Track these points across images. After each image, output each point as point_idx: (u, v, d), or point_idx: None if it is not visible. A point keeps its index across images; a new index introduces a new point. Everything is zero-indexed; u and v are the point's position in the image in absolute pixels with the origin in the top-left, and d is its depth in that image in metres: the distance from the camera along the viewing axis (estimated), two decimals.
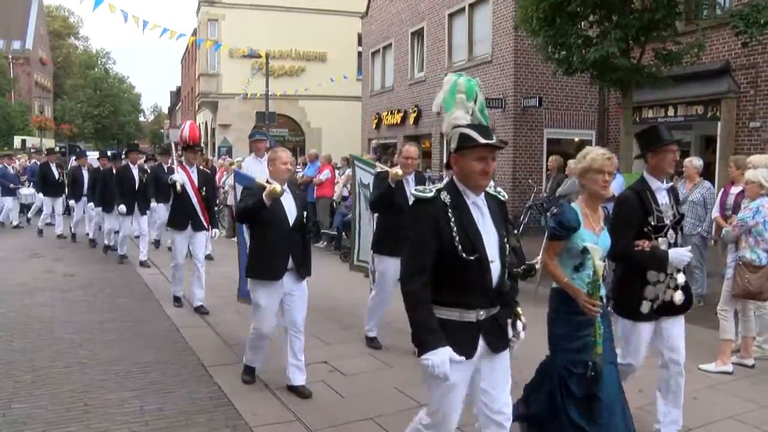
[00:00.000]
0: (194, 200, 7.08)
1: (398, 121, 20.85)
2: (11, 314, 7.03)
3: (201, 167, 7.64)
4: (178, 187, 6.95)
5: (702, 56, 10.01)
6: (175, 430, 4.07)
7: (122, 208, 10.16)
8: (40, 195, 14.40)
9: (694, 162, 7.51)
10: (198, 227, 7.12)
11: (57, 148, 41.36)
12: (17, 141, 39.12)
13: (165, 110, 76.48)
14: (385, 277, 5.62)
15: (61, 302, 7.69)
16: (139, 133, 72.19)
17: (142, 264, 10.06)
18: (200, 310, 7.07)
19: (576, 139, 15.88)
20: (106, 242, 11.65)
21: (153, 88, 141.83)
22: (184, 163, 7.25)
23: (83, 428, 4.06)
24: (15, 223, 15.64)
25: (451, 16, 17.76)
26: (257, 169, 7.22)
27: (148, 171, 10.81)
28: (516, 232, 9.50)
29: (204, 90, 31.33)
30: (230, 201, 7.82)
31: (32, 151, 31.89)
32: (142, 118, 79.90)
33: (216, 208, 8.96)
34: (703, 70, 11.16)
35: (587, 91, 14.60)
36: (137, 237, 10.78)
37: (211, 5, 30.36)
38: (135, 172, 10.54)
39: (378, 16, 22.79)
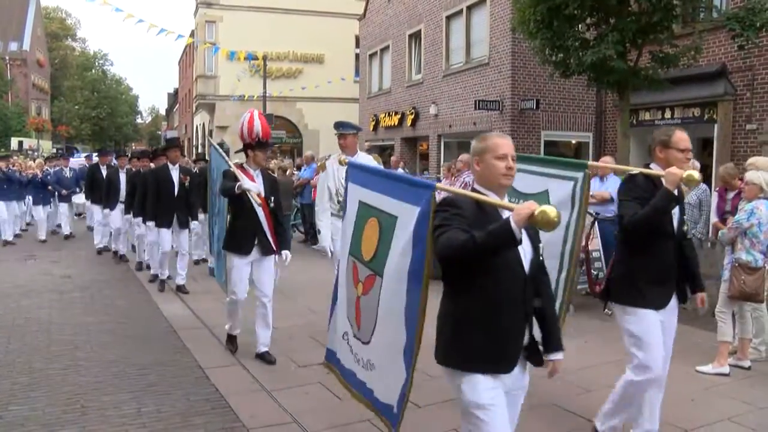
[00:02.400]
0: (261, 215, 5.32)
1: (396, 123, 20.87)
2: (8, 316, 7.01)
3: (268, 170, 5.95)
4: (255, 199, 5.22)
5: (699, 59, 10.05)
6: None
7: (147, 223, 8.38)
8: (88, 203, 12.56)
9: (692, 164, 7.54)
10: (266, 251, 5.41)
11: (54, 150, 41.50)
12: (14, 142, 39.09)
13: (162, 112, 76.53)
14: (645, 345, 3.56)
15: (58, 304, 7.68)
16: (136, 135, 72.28)
17: (180, 289, 8.18)
18: (265, 358, 5.46)
19: (573, 141, 15.93)
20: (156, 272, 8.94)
21: (150, 89, 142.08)
22: (245, 166, 5.45)
23: (80, 430, 4.06)
24: (67, 232, 13.98)
25: (448, 18, 17.78)
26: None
27: (196, 172, 9.14)
28: None
29: (201, 92, 31.35)
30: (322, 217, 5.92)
31: (29, 153, 31.82)
32: (139, 120, 79.96)
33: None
34: (699, 73, 11.20)
35: (584, 93, 14.63)
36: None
37: (209, 7, 30.37)
38: (175, 174, 8.25)
39: (375, 18, 22.81)
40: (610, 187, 7.99)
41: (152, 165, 9.32)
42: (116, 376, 5.08)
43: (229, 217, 5.57)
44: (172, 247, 8.45)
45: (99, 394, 4.68)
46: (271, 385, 4.81)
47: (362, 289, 3.17)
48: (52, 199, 14.15)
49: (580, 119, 15.50)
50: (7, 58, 49.16)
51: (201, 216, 8.82)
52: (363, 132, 24.19)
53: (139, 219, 8.76)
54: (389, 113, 21.41)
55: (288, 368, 5.23)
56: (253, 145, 5.41)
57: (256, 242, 5.35)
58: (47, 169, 14.38)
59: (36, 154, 32.53)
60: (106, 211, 10.89)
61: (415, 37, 19.82)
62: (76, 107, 57.92)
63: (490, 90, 15.56)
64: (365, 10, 23.81)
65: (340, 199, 5.45)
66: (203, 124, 35.61)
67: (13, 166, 14.42)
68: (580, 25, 9.91)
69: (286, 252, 5.54)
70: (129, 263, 10.51)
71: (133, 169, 10.29)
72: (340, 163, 3.58)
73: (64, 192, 13.58)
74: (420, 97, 19.38)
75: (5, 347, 5.84)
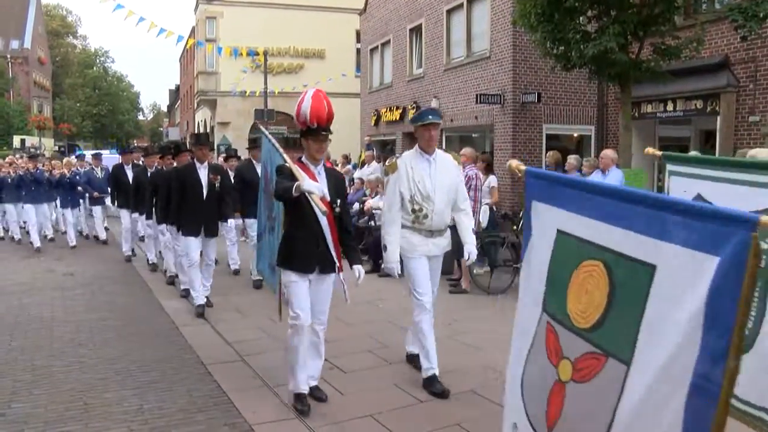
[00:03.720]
0: (324, 223, 4.17)
1: (397, 118, 20.82)
2: (11, 313, 7.03)
3: (329, 166, 4.86)
4: (317, 204, 3.85)
5: (701, 50, 9.99)
6: (175, 428, 4.06)
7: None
8: (113, 207, 11.57)
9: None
10: (326, 268, 4.28)
11: (56, 147, 41.54)
12: (16, 140, 39.18)
13: (164, 109, 76.57)
14: None
15: (60, 301, 7.70)
16: (138, 132, 72.32)
17: (199, 314, 6.86)
18: (314, 394, 4.43)
19: (575, 135, 15.88)
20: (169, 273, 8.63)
21: (152, 86, 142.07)
22: (304, 160, 4.30)
23: (82, 427, 4.06)
24: (103, 237, 12.99)
25: (449, 12, 17.71)
26: (424, 173, 4.68)
27: (227, 171, 8.14)
28: (515, 228, 9.49)
29: (203, 88, 31.33)
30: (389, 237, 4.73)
31: (31, 150, 31.80)
32: (141, 117, 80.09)
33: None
34: (701, 65, 11.14)
35: (586, 86, 14.57)
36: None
37: (209, 3, 30.31)
38: (203, 174, 6.97)
39: (376, 13, 22.74)
40: (613, 180, 7.98)
41: (174, 163, 8.26)
42: (118, 372, 5.09)
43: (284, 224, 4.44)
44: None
45: (101, 391, 4.68)
46: (273, 380, 4.81)
47: (573, 372, 2.09)
48: (82, 201, 13.16)
49: (581, 112, 15.44)
50: (8, 56, 49.22)
51: (239, 221, 8.06)
52: (365, 127, 24.25)
53: (164, 226, 7.86)
54: (390, 108, 21.35)
55: None
56: (305, 132, 4.30)
57: (316, 259, 4.24)
58: (77, 169, 13.25)
59: (39, 152, 32.52)
60: (135, 215, 9.84)
61: (416, 31, 19.75)
62: (78, 105, 58.06)
63: (492, 83, 15.50)
64: (365, 4, 23.73)
65: (415, 207, 4.68)
66: (205, 121, 35.61)
67: (43, 166, 13.40)
68: (581, 18, 9.86)
69: (358, 267, 4.34)
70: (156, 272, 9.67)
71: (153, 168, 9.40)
72: (513, 170, 2.55)
73: (95, 194, 12.34)
74: (421, 91, 19.33)
75: (7, 345, 5.85)
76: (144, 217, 9.48)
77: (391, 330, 5.99)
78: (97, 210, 12.80)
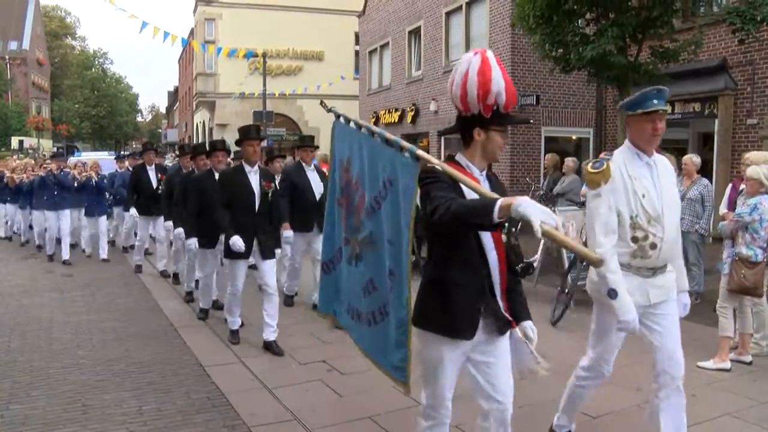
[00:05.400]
0: (493, 262, 2.70)
1: (396, 120, 20.85)
2: (9, 315, 7.02)
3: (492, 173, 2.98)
4: (568, 244, 2.25)
5: (699, 53, 10.03)
6: (174, 429, 4.06)
7: (236, 241, 5.47)
8: (131, 213, 9.99)
9: (694, 159, 7.53)
10: (500, 327, 2.74)
11: (55, 149, 41.53)
12: (14, 141, 39.19)
13: (162, 110, 76.59)
14: None
15: (59, 303, 7.69)
16: (137, 133, 72.29)
17: (269, 347, 5.60)
18: None
19: (573, 137, 15.91)
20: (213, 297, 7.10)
21: (150, 88, 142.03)
22: (460, 160, 2.83)
23: (81, 429, 4.05)
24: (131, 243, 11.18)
25: (448, 14, 17.76)
26: (647, 183, 3.31)
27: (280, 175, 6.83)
28: (514, 230, 9.49)
29: (201, 89, 31.36)
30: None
31: (29, 151, 31.81)
32: (139, 118, 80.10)
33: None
34: (700, 68, 11.17)
35: (585, 88, 14.60)
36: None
37: (208, 4, 30.35)
38: (254, 180, 5.68)
39: (375, 15, 22.78)
40: None
41: (209, 163, 6.86)
42: (117, 374, 5.08)
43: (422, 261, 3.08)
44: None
45: (100, 392, 4.68)
46: (271, 382, 4.81)
47: None
48: (111, 209, 11.65)
49: (580, 115, 15.48)
50: (6, 57, 49.21)
51: (288, 233, 6.62)
52: None
53: (194, 241, 6.55)
54: (389, 110, 21.39)
55: (288, 366, 5.23)
56: (485, 119, 2.77)
57: (481, 313, 2.69)
58: (116, 171, 11.84)
59: (36, 153, 32.53)
60: (168, 224, 8.13)
61: (415, 33, 19.79)
62: (76, 106, 58.03)
63: None
64: (364, 6, 23.77)
65: (637, 234, 3.23)
66: (203, 122, 35.64)
67: (72, 168, 11.67)
68: (579, 20, 9.89)
69: (530, 325, 2.81)
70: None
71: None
72: None
73: None
74: (420, 93, 19.36)
75: (6, 346, 5.85)
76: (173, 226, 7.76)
77: None
78: (127, 215, 10.80)
